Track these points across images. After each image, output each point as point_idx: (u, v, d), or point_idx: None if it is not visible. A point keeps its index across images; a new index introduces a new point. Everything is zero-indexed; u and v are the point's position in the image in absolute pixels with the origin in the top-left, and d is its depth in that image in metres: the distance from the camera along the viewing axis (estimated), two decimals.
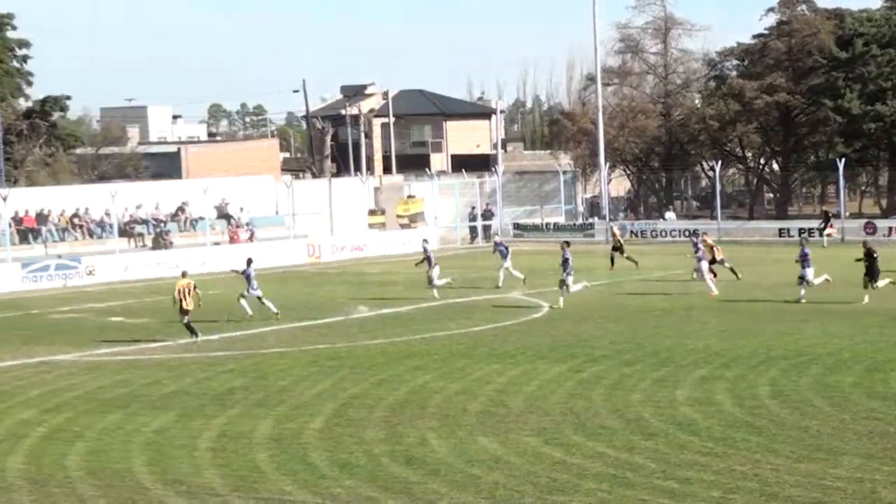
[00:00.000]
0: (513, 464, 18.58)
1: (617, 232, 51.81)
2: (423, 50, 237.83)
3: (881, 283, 36.82)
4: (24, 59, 78.32)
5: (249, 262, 37.14)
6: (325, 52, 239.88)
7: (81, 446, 20.42)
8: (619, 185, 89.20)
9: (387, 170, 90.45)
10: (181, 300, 32.10)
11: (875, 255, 36.91)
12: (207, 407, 23.55)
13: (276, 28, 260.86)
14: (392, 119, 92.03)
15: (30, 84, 79.08)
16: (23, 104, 77.79)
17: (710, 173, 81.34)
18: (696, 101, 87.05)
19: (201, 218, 60.36)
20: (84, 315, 39.64)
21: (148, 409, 23.44)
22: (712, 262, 42.16)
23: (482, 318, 36.12)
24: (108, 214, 57.41)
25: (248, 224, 62.59)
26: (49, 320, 39.44)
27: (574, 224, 69.99)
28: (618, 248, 49.35)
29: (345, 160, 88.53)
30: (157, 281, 50.11)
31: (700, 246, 41.84)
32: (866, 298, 35.98)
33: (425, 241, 45.04)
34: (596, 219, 72.33)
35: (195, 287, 32.55)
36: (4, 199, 51.92)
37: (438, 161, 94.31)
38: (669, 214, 75.44)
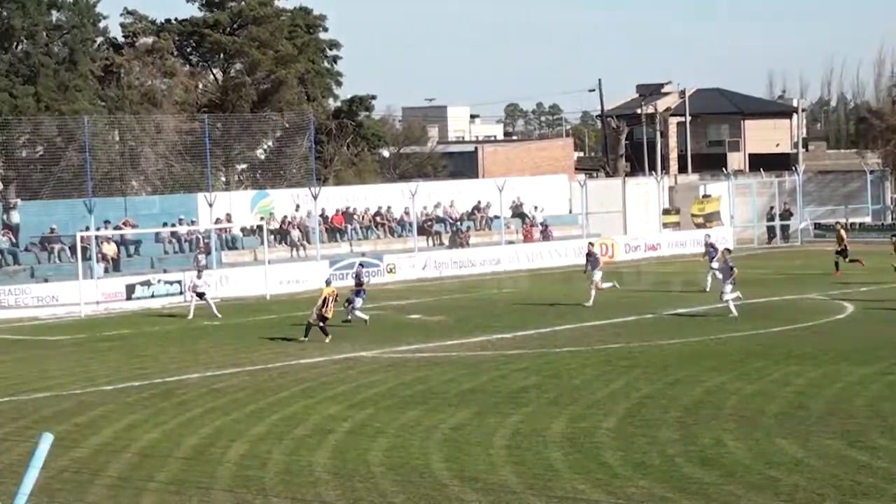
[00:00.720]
0: (814, 466, 18.09)
1: (844, 234, 50.09)
2: (722, 48, 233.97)
3: None
4: (335, 59, 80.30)
5: (359, 277, 38.74)
6: (620, 51, 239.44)
7: (383, 442, 20.93)
8: None
9: (682, 169, 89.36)
10: (323, 306, 33.63)
11: None
12: (502, 405, 23.81)
13: (572, 27, 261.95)
14: (688, 118, 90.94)
15: (339, 84, 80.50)
16: (332, 104, 79.85)
17: None
18: None
19: (496, 216, 61.08)
20: (384, 312, 40.67)
21: (445, 406, 23.87)
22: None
23: (781, 318, 35.29)
24: (407, 213, 58.79)
25: (542, 223, 62.97)
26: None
27: (881, 224, 67.37)
28: (841, 251, 48.12)
29: (639, 159, 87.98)
30: (453, 279, 51.07)
31: None
32: None
33: (591, 243, 45.27)
34: None
35: (337, 296, 34.45)
36: (315, 197, 53.89)
37: (735, 160, 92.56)
38: None
